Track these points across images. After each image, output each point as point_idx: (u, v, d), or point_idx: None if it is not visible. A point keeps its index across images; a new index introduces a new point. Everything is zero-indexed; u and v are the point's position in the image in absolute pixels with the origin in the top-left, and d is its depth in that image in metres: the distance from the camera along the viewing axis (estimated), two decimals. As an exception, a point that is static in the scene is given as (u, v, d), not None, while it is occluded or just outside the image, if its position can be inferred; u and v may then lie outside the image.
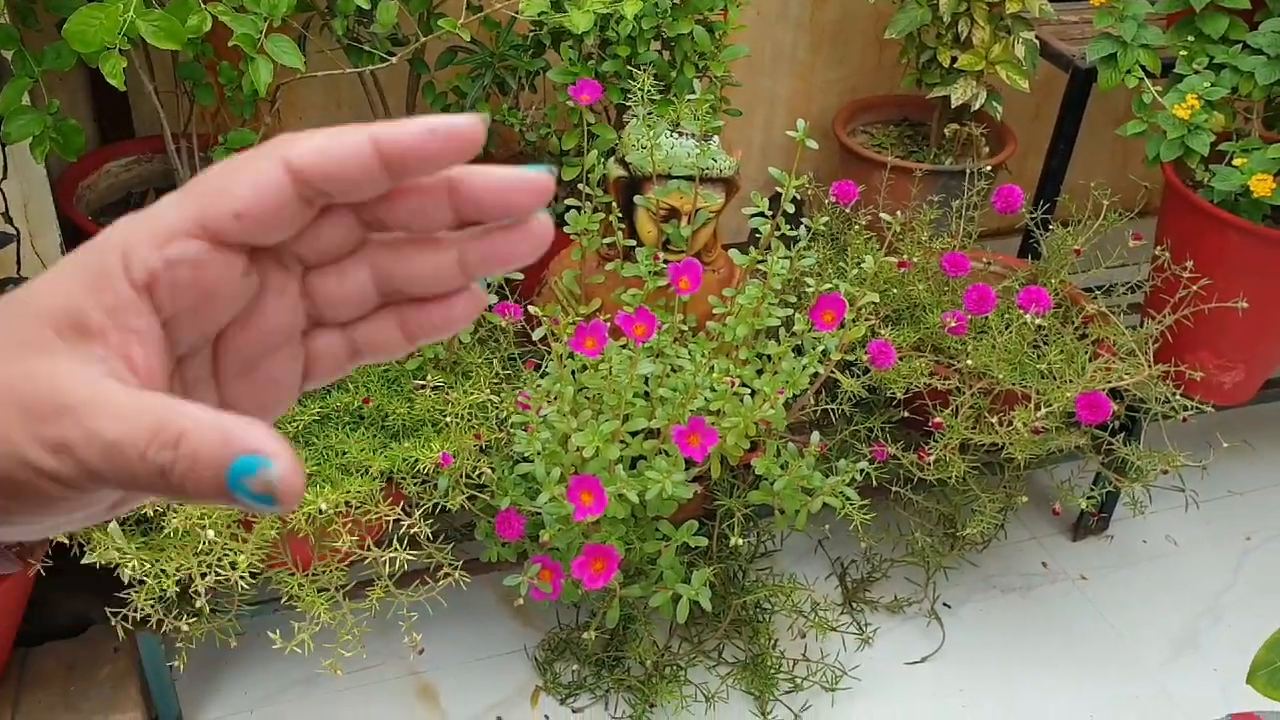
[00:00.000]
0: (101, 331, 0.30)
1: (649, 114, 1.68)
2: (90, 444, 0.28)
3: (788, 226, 1.64)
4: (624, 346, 1.51)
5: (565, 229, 1.71)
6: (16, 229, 1.60)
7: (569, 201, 1.72)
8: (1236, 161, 1.78)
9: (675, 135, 1.66)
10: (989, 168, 1.95)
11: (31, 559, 1.33)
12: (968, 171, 1.95)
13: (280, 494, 0.27)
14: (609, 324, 1.44)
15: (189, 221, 0.31)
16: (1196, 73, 1.85)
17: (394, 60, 1.66)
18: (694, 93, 1.73)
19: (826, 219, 1.68)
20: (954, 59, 2.05)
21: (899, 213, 1.73)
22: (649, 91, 1.69)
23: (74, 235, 1.73)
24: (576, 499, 1.33)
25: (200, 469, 0.27)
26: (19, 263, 1.61)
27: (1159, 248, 1.85)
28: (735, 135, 2.32)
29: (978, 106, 2.06)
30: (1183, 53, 1.89)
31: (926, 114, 2.27)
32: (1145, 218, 2.04)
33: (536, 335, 1.53)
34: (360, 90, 1.96)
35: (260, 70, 1.38)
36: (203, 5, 1.36)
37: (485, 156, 1.90)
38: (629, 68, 1.81)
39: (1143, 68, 1.89)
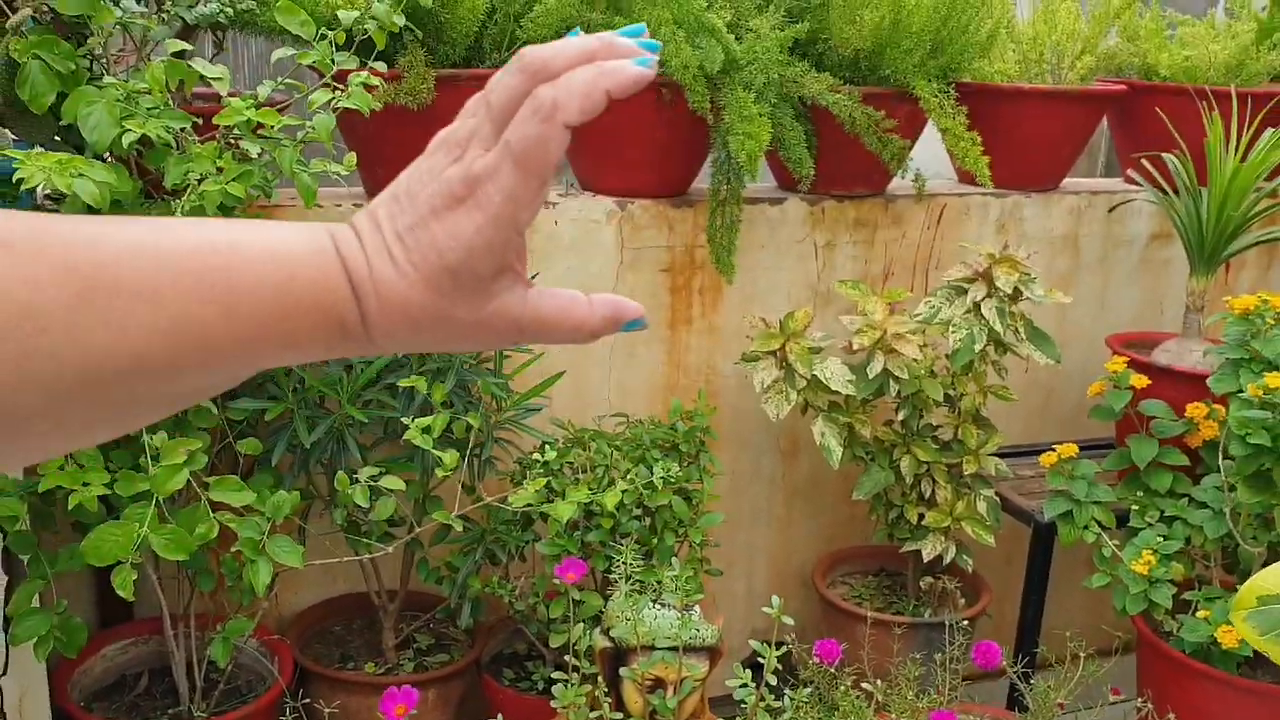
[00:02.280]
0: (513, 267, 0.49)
1: (632, 587, 1.76)
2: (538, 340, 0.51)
3: (772, 697, 1.66)
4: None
5: (552, 703, 1.73)
6: (8, 725, 1.62)
7: (555, 675, 1.76)
8: (1201, 613, 1.84)
9: (658, 607, 1.73)
10: (967, 621, 2.01)
11: None
12: (947, 625, 2.01)
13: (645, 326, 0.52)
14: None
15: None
16: (1149, 526, 1.96)
17: (391, 549, 1.75)
18: (673, 564, 1.82)
19: (810, 689, 1.71)
20: (921, 516, 2.16)
21: (880, 680, 1.76)
22: (632, 563, 1.78)
23: (64, 726, 1.75)
24: None
25: (600, 334, 0.51)
26: (6, 760, 1.62)
27: (1140, 699, 1.87)
28: (719, 587, 2.39)
29: (949, 560, 2.15)
30: (1134, 507, 2.01)
31: (902, 564, 2.35)
32: (1128, 654, 2.08)
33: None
34: (356, 564, 2.04)
35: (260, 571, 1.47)
36: (211, 513, 1.47)
37: (475, 624, 1.93)
38: (613, 539, 1.91)
39: (1098, 522, 2.00)
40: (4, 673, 1.62)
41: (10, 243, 0.42)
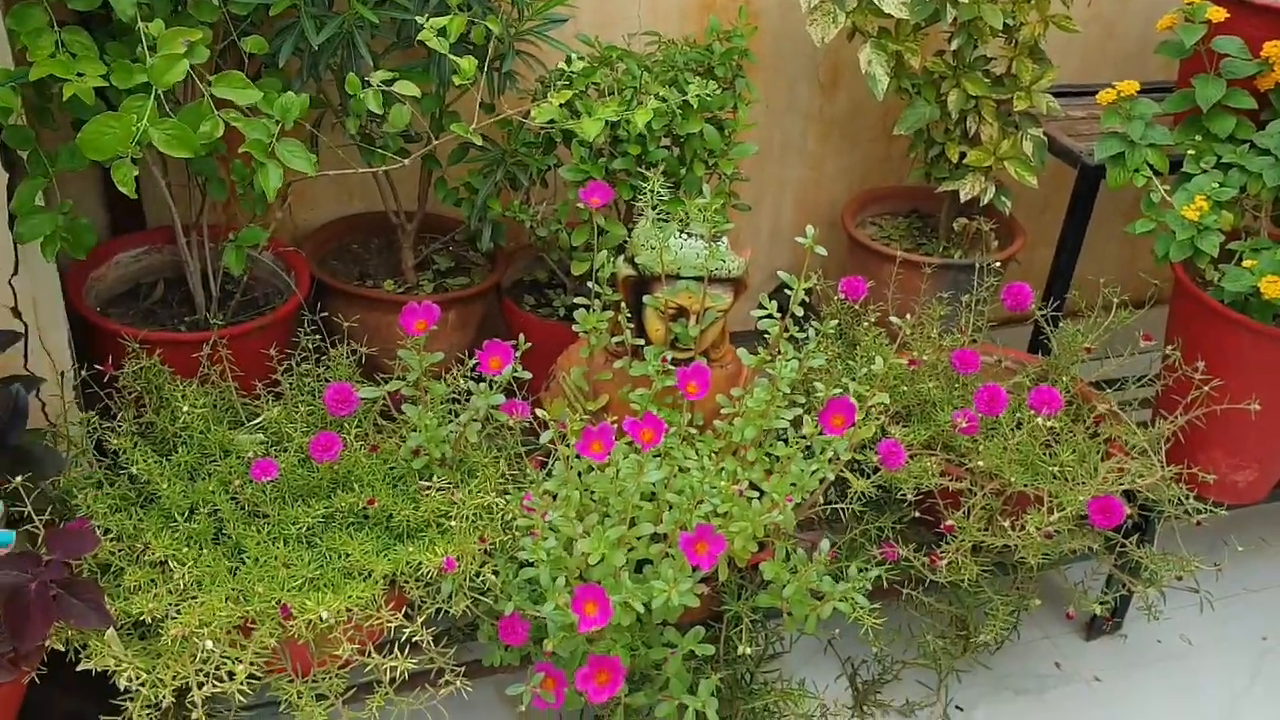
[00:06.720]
0: None
1: (658, 215, 1.69)
2: None
3: (796, 328, 1.63)
4: (630, 444, 1.50)
5: (574, 326, 1.71)
6: (25, 323, 1.60)
7: (578, 300, 1.72)
8: (1246, 262, 1.77)
9: (684, 236, 1.66)
10: (998, 263, 1.95)
11: (26, 666, 1.31)
12: (977, 266, 1.95)
13: None
14: (615, 424, 1.43)
15: None
16: (1205, 171, 1.86)
17: (405, 163, 1.66)
18: (703, 194, 1.74)
19: (836, 322, 1.67)
20: (962, 154, 2.06)
21: (908, 314, 1.73)
22: (658, 191, 1.70)
23: (81, 329, 1.73)
24: (581, 610, 1.31)
25: None
26: (26, 357, 1.61)
27: (1169, 347, 1.84)
28: (744, 222, 2.33)
29: (986, 201, 2.07)
30: (1190, 152, 1.90)
31: (935, 206, 2.27)
32: (1158, 306, 2.04)
33: (544, 439, 1.52)
34: (372, 182, 1.97)
35: (270, 175, 1.39)
36: (215, 111, 1.37)
37: (495, 249, 1.89)
38: (639, 167, 1.82)
39: (1150, 166, 1.89)
40: (15, 272, 1.58)
41: None
